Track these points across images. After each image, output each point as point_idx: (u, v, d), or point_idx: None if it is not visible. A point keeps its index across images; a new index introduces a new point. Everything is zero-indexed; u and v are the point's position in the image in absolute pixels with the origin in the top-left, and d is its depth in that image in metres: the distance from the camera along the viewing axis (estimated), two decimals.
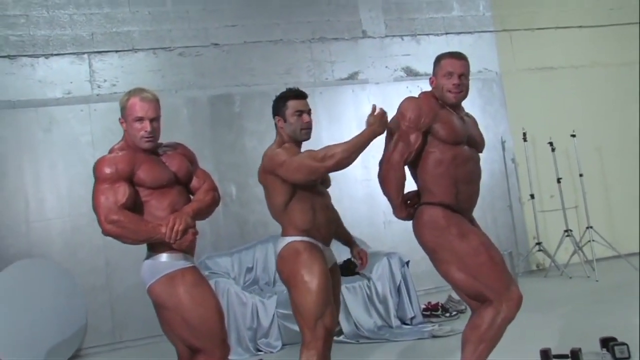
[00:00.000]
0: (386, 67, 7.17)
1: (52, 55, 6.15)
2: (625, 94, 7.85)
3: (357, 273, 5.27)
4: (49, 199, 5.97)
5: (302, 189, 2.96)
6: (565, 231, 6.93)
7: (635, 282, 5.83)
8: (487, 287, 2.86)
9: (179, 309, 2.69)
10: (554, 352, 3.78)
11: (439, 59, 3.10)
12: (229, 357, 2.83)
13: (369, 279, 5.36)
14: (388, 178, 3.02)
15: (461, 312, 5.48)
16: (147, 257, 2.79)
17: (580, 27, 7.87)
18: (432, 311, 5.56)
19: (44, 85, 6.10)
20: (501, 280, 2.88)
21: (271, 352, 5.01)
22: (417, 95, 3.13)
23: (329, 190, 3.21)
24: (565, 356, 3.74)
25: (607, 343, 3.76)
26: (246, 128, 6.59)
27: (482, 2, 7.61)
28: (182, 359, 2.89)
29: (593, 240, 6.76)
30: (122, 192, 2.67)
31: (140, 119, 2.78)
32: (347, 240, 3.38)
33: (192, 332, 2.71)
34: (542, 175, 7.38)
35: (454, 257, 2.90)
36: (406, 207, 3.07)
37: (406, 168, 3.03)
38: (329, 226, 3.09)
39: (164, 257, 2.73)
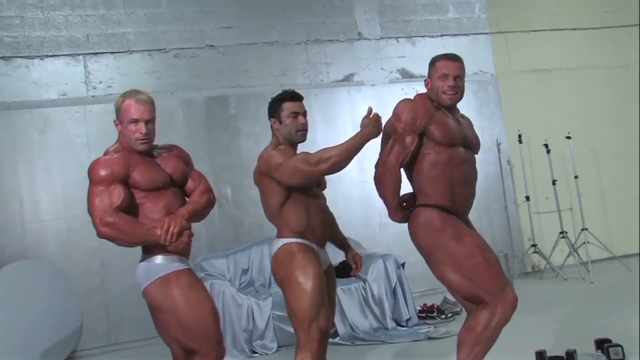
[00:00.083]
0: (381, 68, 7.18)
1: (47, 56, 6.13)
2: (620, 96, 7.88)
3: (352, 276, 5.27)
4: (44, 200, 5.96)
5: (297, 191, 2.96)
6: (561, 233, 6.95)
7: (630, 284, 5.85)
8: (482, 289, 2.86)
9: (174, 311, 2.68)
10: (549, 354, 3.78)
11: (434, 61, 3.10)
12: (224, 359, 2.83)
13: (364, 280, 5.36)
14: (384, 180, 3.02)
15: (457, 313, 5.49)
16: (142, 260, 2.78)
17: (575, 29, 7.90)
18: (427, 313, 5.57)
19: (39, 87, 6.08)
20: (496, 282, 2.88)
21: (266, 354, 5.01)
22: (412, 97, 3.13)
23: (325, 191, 3.21)
24: (561, 358, 3.75)
25: (602, 345, 3.77)
26: (241, 130, 6.58)
27: (477, 4, 7.62)
28: None
29: (588, 242, 6.78)
30: (117, 195, 2.66)
31: (135, 121, 2.77)
32: (342, 243, 3.37)
33: (188, 334, 2.70)
34: (538, 177, 7.40)
35: (450, 258, 2.90)
36: (402, 209, 3.07)
37: (402, 170, 3.03)
38: (324, 228, 3.09)
39: (158, 259, 2.72)
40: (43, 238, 5.90)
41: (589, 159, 7.64)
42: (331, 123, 6.79)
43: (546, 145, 7.04)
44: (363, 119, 2.92)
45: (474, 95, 7.25)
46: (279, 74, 6.80)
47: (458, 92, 3.04)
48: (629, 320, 4.48)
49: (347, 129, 6.44)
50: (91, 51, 6.26)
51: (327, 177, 3.19)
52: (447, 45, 7.21)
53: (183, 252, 2.78)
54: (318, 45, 6.99)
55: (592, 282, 6.29)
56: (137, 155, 2.79)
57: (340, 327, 5.10)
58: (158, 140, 2.95)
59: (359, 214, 6.71)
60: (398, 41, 7.29)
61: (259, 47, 6.79)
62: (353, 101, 6.97)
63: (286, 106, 3.04)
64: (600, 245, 6.88)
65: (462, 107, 3.21)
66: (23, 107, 6.01)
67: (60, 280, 5.69)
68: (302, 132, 3.05)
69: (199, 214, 2.88)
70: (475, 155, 3.16)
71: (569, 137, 7.04)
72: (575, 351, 3.72)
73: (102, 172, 2.68)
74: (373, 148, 3.09)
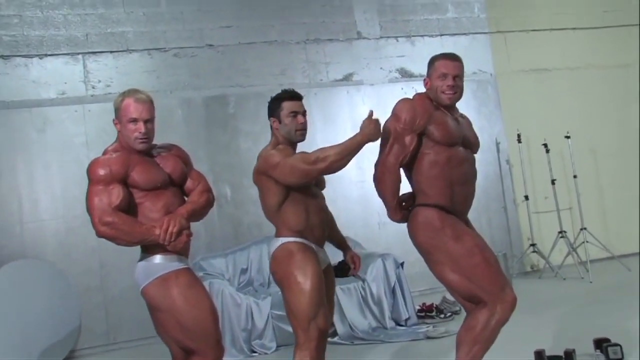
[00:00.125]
0: (381, 68, 7.18)
1: (46, 55, 6.13)
2: (620, 95, 7.89)
3: (351, 275, 5.28)
4: (43, 199, 5.96)
5: (296, 190, 2.96)
6: (560, 232, 6.95)
7: (629, 284, 5.85)
8: (481, 288, 2.86)
9: (173, 311, 2.68)
10: (547, 353, 3.78)
11: (433, 61, 3.10)
12: (223, 359, 2.83)
13: (363, 280, 5.36)
14: (383, 180, 3.01)
15: (455, 313, 5.49)
16: (141, 259, 2.78)
17: (575, 29, 7.90)
18: (426, 312, 5.57)
19: (38, 86, 6.08)
20: (495, 281, 2.88)
21: (265, 354, 5.01)
22: (411, 97, 3.13)
23: (324, 191, 3.21)
24: (559, 357, 3.75)
25: (601, 344, 3.77)
26: (241, 129, 6.58)
27: (476, 4, 7.62)
28: None
29: (587, 242, 6.79)
30: (116, 194, 2.66)
31: (135, 120, 2.77)
32: (341, 243, 3.37)
33: (186, 333, 2.70)
34: (537, 177, 7.40)
35: (449, 258, 2.90)
36: (401, 209, 3.07)
37: (401, 170, 3.03)
38: (323, 228, 3.09)
39: (157, 258, 2.72)
40: (42, 237, 5.90)
41: (588, 158, 7.65)
42: (330, 122, 6.79)
43: (545, 145, 7.04)
44: (364, 121, 2.92)
45: (473, 95, 7.25)
46: (278, 73, 6.80)
47: (457, 91, 3.04)
48: (628, 319, 4.48)
49: (346, 129, 6.44)
50: (90, 50, 6.26)
51: (326, 177, 3.19)
52: (446, 45, 7.21)
53: (182, 252, 2.78)
54: (317, 45, 6.99)
55: (591, 282, 6.29)
56: (136, 155, 2.79)
57: (339, 327, 5.10)
58: (157, 140, 2.94)
59: (358, 214, 6.71)
60: (397, 41, 7.29)
61: (258, 47, 6.78)
62: (352, 101, 6.96)
63: (285, 105, 3.04)
64: (599, 244, 6.89)
65: (461, 106, 3.21)
66: (22, 106, 6.00)
67: (59, 280, 5.68)
68: (301, 132, 3.05)
69: (198, 213, 2.88)
70: (475, 155, 3.16)
71: (568, 137, 7.04)
72: (574, 351, 3.72)
73: (101, 172, 2.68)
74: (372, 148, 3.08)
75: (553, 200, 7.04)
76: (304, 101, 3.13)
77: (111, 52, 6.32)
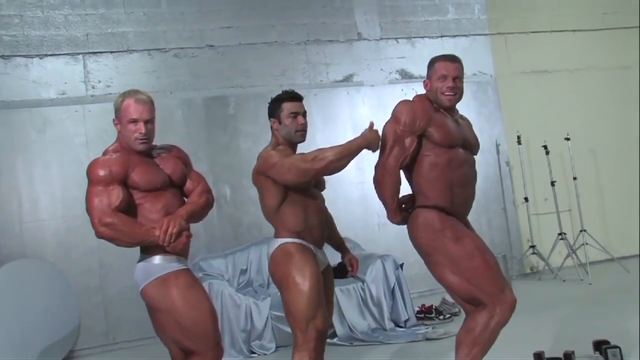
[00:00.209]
0: (381, 69, 7.18)
1: (46, 55, 6.13)
2: (620, 97, 7.89)
3: (350, 276, 5.29)
4: (43, 199, 5.95)
5: (294, 191, 2.96)
6: (559, 234, 6.95)
7: (628, 285, 5.85)
8: (481, 290, 2.86)
9: (172, 312, 2.68)
10: (547, 355, 3.78)
11: (433, 62, 3.09)
12: (222, 359, 2.83)
13: (363, 281, 5.36)
14: (383, 182, 3.01)
15: (455, 314, 5.49)
16: (141, 260, 2.77)
17: (575, 30, 7.90)
18: (425, 314, 5.57)
19: (38, 86, 6.08)
20: (495, 283, 2.88)
21: (265, 354, 5.00)
22: (411, 99, 3.13)
23: (324, 192, 3.21)
24: (559, 359, 3.75)
25: (600, 346, 3.77)
26: (241, 130, 6.58)
27: (477, 5, 7.63)
28: None
29: (587, 244, 6.78)
30: (116, 195, 2.66)
31: (135, 121, 2.77)
32: (339, 245, 3.37)
33: (186, 334, 2.70)
34: (536, 179, 7.40)
35: (448, 260, 2.90)
36: (401, 211, 3.07)
37: (401, 172, 3.03)
38: (322, 229, 3.09)
39: (157, 259, 2.72)
40: (41, 237, 5.89)
41: (588, 160, 7.65)
42: (330, 123, 6.79)
43: (545, 147, 7.04)
44: (364, 130, 2.93)
45: (473, 97, 7.25)
46: (279, 74, 6.80)
47: (457, 93, 3.04)
48: (628, 321, 4.49)
49: (346, 130, 6.45)
50: (90, 50, 6.26)
51: (326, 178, 3.19)
52: (446, 46, 7.22)
53: (181, 253, 2.78)
54: (318, 46, 6.99)
55: (590, 284, 6.29)
56: (136, 156, 2.79)
57: (338, 328, 5.10)
58: (157, 140, 2.94)
59: (357, 215, 6.71)
60: (398, 42, 7.29)
61: (259, 47, 6.79)
62: (352, 102, 6.96)
63: (286, 106, 3.04)
64: (599, 246, 6.88)
65: (462, 108, 3.21)
66: (22, 106, 6.00)
67: (59, 280, 5.69)
68: (301, 133, 3.05)
69: (198, 214, 2.88)
70: (475, 157, 3.16)
71: (568, 139, 7.04)
72: (573, 352, 3.72)
73: (101, 172, 2.68)
74: None
75: (553, 201, 7.04)
76: (304, 102, 3.13)
77: (111, 52, 6.32)
